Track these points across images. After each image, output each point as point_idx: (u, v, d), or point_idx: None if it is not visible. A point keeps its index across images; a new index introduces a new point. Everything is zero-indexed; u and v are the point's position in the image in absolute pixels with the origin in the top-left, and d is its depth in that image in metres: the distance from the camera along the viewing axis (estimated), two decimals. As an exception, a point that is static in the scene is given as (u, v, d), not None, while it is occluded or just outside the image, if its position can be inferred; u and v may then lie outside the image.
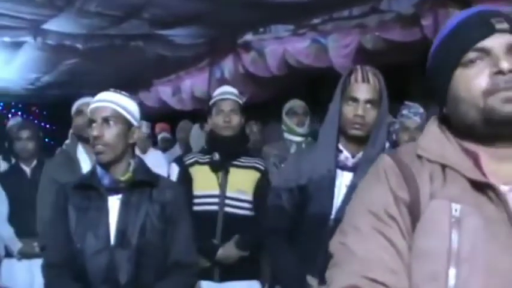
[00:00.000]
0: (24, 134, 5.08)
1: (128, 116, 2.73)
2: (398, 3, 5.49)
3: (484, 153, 1.36)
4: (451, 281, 1.27)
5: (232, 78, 7.81)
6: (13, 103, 12.95)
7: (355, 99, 2.71)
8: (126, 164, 2.74)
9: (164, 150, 7.26)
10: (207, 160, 3.69)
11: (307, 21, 6.50)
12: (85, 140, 3.95)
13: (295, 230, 2.86)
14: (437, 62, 1.46)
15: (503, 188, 1.32)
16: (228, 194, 3.63)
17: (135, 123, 2.78)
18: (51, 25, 6.35)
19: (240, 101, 3.79)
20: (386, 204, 1.38)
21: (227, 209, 3.61)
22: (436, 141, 1.43)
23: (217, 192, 3.62)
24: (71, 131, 6.52)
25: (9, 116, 12.22)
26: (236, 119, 3.67)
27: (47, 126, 12.55)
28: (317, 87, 7.45)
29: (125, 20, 6.10)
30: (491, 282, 1.25)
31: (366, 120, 2.71)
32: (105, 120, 2.67)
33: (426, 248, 1.32)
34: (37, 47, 7.14)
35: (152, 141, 6.98)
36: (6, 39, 6.86)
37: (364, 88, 2.71)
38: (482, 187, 1.32)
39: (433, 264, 1.30)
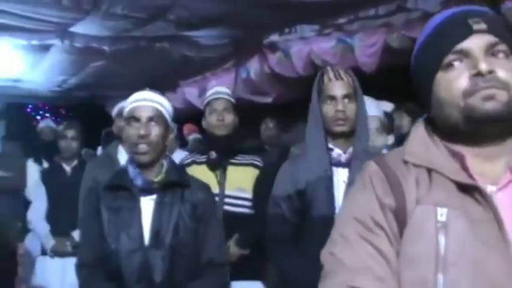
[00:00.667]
0: (70, 133, 5.18)
1: (167, 117, 2.76)
2: (425, 2, 5.44)
3: (470, 154, 1.35)
4: (440, 286, 1.26)
5: (258, 79, 7.80)
6: (41, 105, 13.05)
7: (332, 97, 2.82)
8: (159, 165, 2.75)
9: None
10: (204, 160, 3.69)
11: (332, 21, 6.46)
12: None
13: (300, 236, 2.86)
14: (419, 65, 1.47)
15: (490, 189, 1.32)
16: (227, 192, 3.61)
17: (171, 123, 2.80)
18: (78, 28, 6.41)
19: (233, 100, 3.82)
20: (373, 211, 1.38)
21: (227, 207, 3.59)
22: (422, 145, 1.43)
23: (216, 191, 3.56)
24: (103, 132, 6.64)
25: (38, 117, 12.33)
26: (229, 118, 3.70)
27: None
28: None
29: (150, 21, 6.13)
30: (480, 285, 1.24)
31: (347, 114, 2.81)
32: (150, 119, 2.67)
33: (414, 254, 1.32)
34: (64, 49, 7.21)
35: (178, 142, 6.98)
36: (34, 42, 6.93)
37: (338, 85, 2.84)
38: (468, 189, 1.31)
39: (421, 270, 1.29)
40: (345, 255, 1.36)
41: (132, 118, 2.69)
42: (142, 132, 2.63)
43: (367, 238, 1.36)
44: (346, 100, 2.81)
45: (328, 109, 2.82)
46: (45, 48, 7.18)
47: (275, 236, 2.93)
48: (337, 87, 2.83)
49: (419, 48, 1.47)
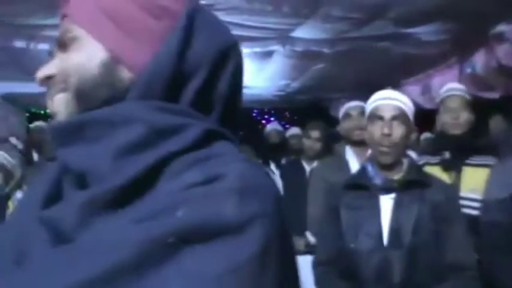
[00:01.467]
0: (314, 134, 5.34)
1: (410, 116, 2.73)
2: None
3: None
4: None
5: (485, 73, 7.42)
6: (266, 109, 13.52)
7: None
8: (400, 164, 2.73)
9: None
10: (438, 161, 3.53)
11: None
12: (353, 142, 4.06)
13: None
14: None
15: None
16: (462, 194, 3.42)
17: (412, 124, 2.76)
18: (298, 33, 6.53)
19: (469, 97, 3.65)
20: None
21: (462, 210, 3.42)
22: None
23: None
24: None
25: (263, 121, 12.80)
26: (464, 116, 3.52)
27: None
28: None
29: (369, 21, 6.08)
30: None
31: None
32: (394, 118, 2.67)
33: None
34: (285, 54, 7.37)
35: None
36: (257, 49, 7.16)
37: None
38: None
39: None
40: None
41: (375, 117, 2.70)
42: (386, 131, 2.64)
43: None
44: None
45: None
46: (268, 54, 7.39)
47: (491, 243, 2.77)
48: None
49: None
